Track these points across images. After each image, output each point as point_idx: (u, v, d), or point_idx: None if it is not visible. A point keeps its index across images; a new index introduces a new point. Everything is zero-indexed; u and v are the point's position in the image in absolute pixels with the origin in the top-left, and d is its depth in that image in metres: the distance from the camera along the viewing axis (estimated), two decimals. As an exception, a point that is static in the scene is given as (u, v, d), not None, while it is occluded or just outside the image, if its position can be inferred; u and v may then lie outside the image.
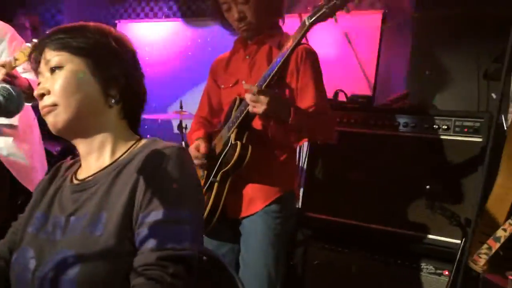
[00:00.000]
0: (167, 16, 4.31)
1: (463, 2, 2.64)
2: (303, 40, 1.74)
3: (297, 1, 3.13)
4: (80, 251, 0.96)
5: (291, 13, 1.85)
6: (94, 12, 4.41)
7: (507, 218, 1.51)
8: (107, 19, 4.36)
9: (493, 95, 2.20)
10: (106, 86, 1.08)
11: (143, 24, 4.43)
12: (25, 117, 2.21)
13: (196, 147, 1.80)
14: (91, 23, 1.13)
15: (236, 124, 1.70)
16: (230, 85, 1.86)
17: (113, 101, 1.09)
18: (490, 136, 1.46)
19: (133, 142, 1.12)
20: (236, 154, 1.65)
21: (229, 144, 1.71)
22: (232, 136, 1.71)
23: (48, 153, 3.04)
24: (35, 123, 2.27)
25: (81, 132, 1.09)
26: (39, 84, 1.08)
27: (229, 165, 1.68)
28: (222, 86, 1.90)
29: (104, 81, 1.08)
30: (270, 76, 1.59)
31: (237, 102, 1.75)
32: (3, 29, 2.17)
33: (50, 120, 1.05)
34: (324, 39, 3.39)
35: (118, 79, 1.09)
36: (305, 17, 1.53)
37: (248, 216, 1.77)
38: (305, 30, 1.52)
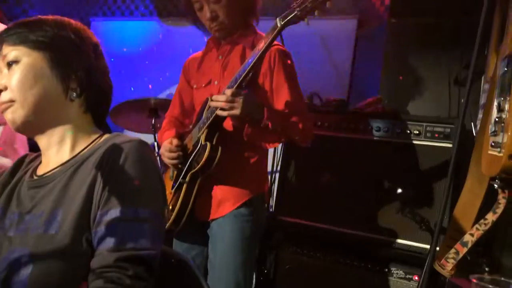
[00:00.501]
0: (143, 15, 4.25)
1: (436, 11, 2.68)
2: (278, 42, 1.73)
3: (273, 3, 3.13)
4: (33, 250, 0.92)
5: (267, 16, 1.83)
6: (68, 9, 4.31)
7: (474, 223, 1.52)
8: (82, 17, 4.27)
9: (463, 101, 2.23)
10: (66, 80, 1.05)
11: (118, 22, 4.35)
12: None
13: (169, 142, 1.76)
14: (50, 16, 1.09)
15: (206, 125, 1.67)
16: (203, 85, 1.82)
17: (74, 94, 1.05)
18: (455, 142, 1.47)
19: (95, 137, 1.09)
20: (206, 155, 1.62)
21: (199, 145, 1.68)
22: (202, 137, 1.68)
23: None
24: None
25: (40, 127, 1.06)
26: None
27: (198, 166, 1.65)
28: (195, 86, 1.87)
29: (63, 74, 1.04)
30: (241, 77, 1.57)
31: (209, 102, 1.72)
32: None
33: (8, 117, 1.02)
34: (300, 43, 3.40)
35: (77, 72, 1.06)
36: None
37: (217, 219, 1.74)
38: (276, 32, 1.51)
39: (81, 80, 1.06)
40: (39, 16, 1.09)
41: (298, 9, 1.45)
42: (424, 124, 2.18)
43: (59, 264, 0.91)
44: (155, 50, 4.05)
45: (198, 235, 1.79)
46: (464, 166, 1.80)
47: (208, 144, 1.64)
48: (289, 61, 1.73)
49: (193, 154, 1.69)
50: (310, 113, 1.81)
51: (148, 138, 2.11)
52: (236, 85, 1.57)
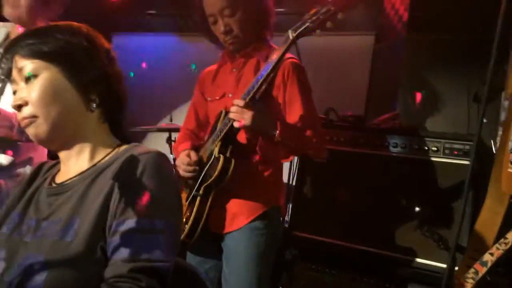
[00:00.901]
0: (164, 31, 4.32)
1: (454, 27, 2.67)
2: (291, 55, 1.73)
3: (288, 19, 3.15)
4: (48, 257, 0.92)
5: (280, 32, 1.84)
6: (89, 24, 4.41)
7: (494, 242, 1.48)
8: (103, 31, 4.36)
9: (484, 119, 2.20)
10: (85, 91, 1.05)
11: (139, 37, 4.44)
12: None
13: (187, 154, 1.77)
14: (60, 23, 1.10)
15: (220, 137, 1.67)
16: (217, 97, 1.83)
17: (94, 105, 1.06)
18: (472, 159, 1.45)
19: (113, 147, 1.10)
20: (219, 167, 1.62)
21: (212, 158, 1.68)
22: (216, 150, 1.68)
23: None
24: None
25: (62, 140, 1.07)
26: (14, 93, 1.06)
27: (212, 179, 1.65)
28: (209, 98, 1.88)
29: (82, 85, 1.05)
30: (254, 89, 1.57)
31: (223, 114, 1.73)
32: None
33: (31, 132, 1.03)
34: (318, 58, 3.41)
35: (96, 81, 1.06)
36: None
37: (231, 232, 1.72)
38: (289, 43, 1.51)
39: (99, 89, 1.06)
40: (49, 23, 1.10)
41: (309, 20, 1.45)
42: (443, 141, 2.15)
43: (73, 271, 0.91)
44: (173, 64, 4.11)
45: (212, 249, 1.78)
46: (484, 184, 1.76)
47: (222, 157, 1.64)
48: (303, 75, 1.73)
49: (207, 167, 1.70)
50: (323, 128, 1.80)
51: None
52: (249, 97, 1.58)
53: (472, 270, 1.48)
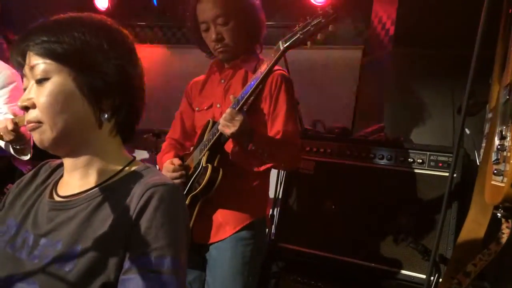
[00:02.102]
0: (152, 42, 4.33)
1: (440, 41, 2.71)
2: (279, 67, 1.74)
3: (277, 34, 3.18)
4: (41, 283, 0.87)
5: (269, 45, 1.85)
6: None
7: (478, 253, 1.48)
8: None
9: (467, 131, 2.23)
10: (97, 101, 0.96)
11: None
12: None
13: (170, 162, 1.75)
14: (81, 15, 0.99)
15: (208, 147, 1.67)
16: (205, 108, 1.83)
17: (105, 116, 0.97)
18: (452, 170, 1.47)
19: (123, 165, 1.01)
20: (206, 177, 1.61)
21: (200, 167, 1.67)
22: (203, 159, 1.67)
23: (19, 173, 2.96)
24: None
25: (68, 149, 0.99)
26: (24, 89, 0.97)
27: (199, 189, 1.64)
28: (197, 108, 1.88)
29: (95, 95, 0.95)
30: (244, 99, 1.58)
31: (210, 124, 1.73)
32: (11, 77, 2.16)
33: (36, 137, 0.96)
34: (306, 71, 3.44)
35: (110, 91, 0.96)
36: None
37: (216, 242, 1.71)
38: (279, 54, 1.52)
39: (113, 99, 0.97)
40: (69, 15, 0.99)
41: (300, 32, 1.46)
42: (428, 153, 2.16)
43: None
44: (163, 75, 4.11)
45: (195, 259, 1.76)
46: (468, 195, 1.77)
47: (210, 166, 1.63)
48: (290, 87, 1.74)
49: (194, 176, 1.69)
50: (300, 142, 1.80)
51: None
52: (238, 106, 1.58)
53: (455, 281, 1.47)
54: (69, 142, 0.97)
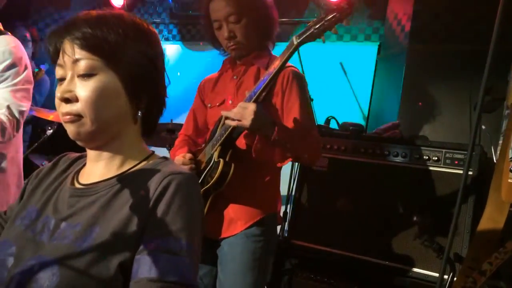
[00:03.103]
0: (166, 39, 4.36)
1: (456, 38, 2.67)
2: (291, 64, 1.74)
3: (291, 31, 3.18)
4: (62, 262, 0.89)
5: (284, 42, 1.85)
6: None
7: (493, 252, 1.46)
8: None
9: (483, 127, 2.19)
10: (137, 100, 1.00)
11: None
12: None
13: (182, 156, 1.77)
14: (122, 13, 1.01)
15: (220, 142, 1.67)
16: (217, 104, 1.84)
17: (139, 113, 1.01)
18: (466, 168, 1.44)
19: (144, 156, 1.05)
20: (218, 171, 1.62)
21: (212, 162, 1.68)
22: (215, 154, 1.68)
23: (34, 166, 3.01)
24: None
25: (100, 144, 1.01)
26: (59, 80, 0.97)
27: (211, 183, 1.64)
28: (209, 105, 1.89)
29: (136, 95, 0.99)
30: (256, 94, 1.58)
31: (222, 120, 1.73)
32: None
33: (71, 129, 0.96)
34: (320, 67, 3.43)
35: (147, 89, 1.01)
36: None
37: (227, 238, 1.72)
38: (292, 49, 1.52)
39: (148, 98, 1.01)
40: (110, 11, 1.00)
41: (314, 27, 1.46)
42: (444, 150, 2.14)
43: (83, 281, 0.87)
44: (178, 71, 4.14)
45: (207, 254, 1.77)
46: (485, 193, 1.74)
47: (221, 161, 1.64)
48: (302, 82, 1.74)
49: (206, 170, 1.69)
50: (319, 135, 1.79)
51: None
52: (251, 101, 1.58)
53: (470, 279, 1.45)
54: (105, 136, 0.99)
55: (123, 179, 0.99)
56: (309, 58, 3.16)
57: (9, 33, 1.94)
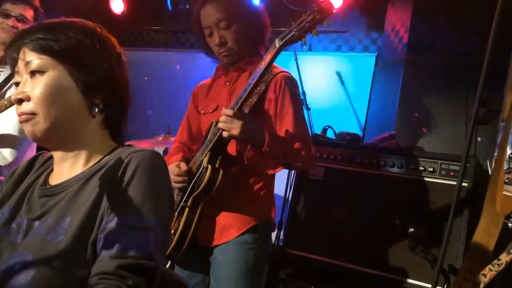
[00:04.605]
0: (166, 46, 4.38)
1: (454, 50, 2.69)
2: (284, 69, 1.75)
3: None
4: (36, 256, 0.90)
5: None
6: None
7: (488, 264, 1.45)
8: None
9: (479, 139, 2.20)
10: (90, 94, 1.02)
11: (141, 52, 4.49)
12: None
13: (177, 165, 1.76)
14: (74, 20, 1.05)
15: (209, 148, 1.66)
16: (210, 110, 1.84)
17: (96, 110, 1.03)
18: (460, 179, 1.44)
19: (109, 150, 1.07)
20: (206, 177, 1.61)
21: (201, 168, 1.67)
22: (205, 160, 1.67)
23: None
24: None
25: (59, 141, 1.03)
26: (17, 84, 1.02)
27: (199, 189, 1.63)
28: (202, 111, 1.88)
29: (88, 88, 1.01)
30: (243, 98, 1.57)
31: (213, 125, 1.73)
32: None
33: (28, 128, 0.99)
34: (318, 77, 3.44)
35: (102, 85, 1.03)
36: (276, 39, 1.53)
37: (220, 245, 1.70)
38: (276, 52, 1.51)
39: (104, 94, 1.03)
40: (63, 19, 1.04)
41: (296, 29, 1.46)
42: (439, 161, 2.14)
43: (61, 271, 0.88)
44: (173, 78, 4.15)
45: (200, 262, 1.76)
46: (480, 205, 1.74)
47: (209, 167, 1.62)
48: (294, 88, 1.74)
49: (195, 177, 1.68)
50: (314, 143, 1.79)
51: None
52: (237, 106, 1.58)
53: (464, 291, 1.45)
54: (61, 133, 1.01)
55: (89, 171, 1.01)
56: (308, 68, 3.18)
57: None
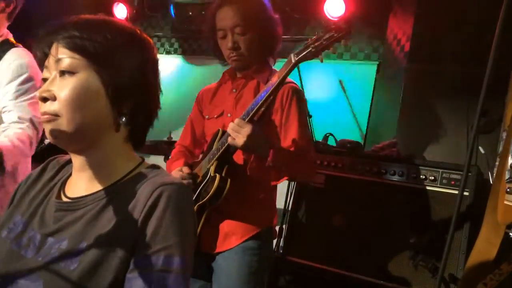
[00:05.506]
0: (168, 52, 4.39)
1: (455, 59, 2.69)
2: (291, 80, 1.75)
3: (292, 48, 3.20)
4: (47, 286, 0.87)
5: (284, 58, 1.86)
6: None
7: (489, 273, 1.45)
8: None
9: (480, 149, 2.20)
10: (118, 102, 0.95)
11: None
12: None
13: (179, 170, 1.76)
14: (114, 19, 0.99)
15: (216, 156, 1.67)
16: (215, 116, 1.84)
17: (123, 119, 0.96)
18: (461, 188, 1.45)
19: (133, 166, 1.00)
20: (214, 187, 1.61)
21: (208, 176, 1.67)
22: (212, 169, 1.67)
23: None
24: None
25: (80, 147, 0.97)
26: (43, 80, 0.95)
27: (206, 198, 1.64)
28: (207, 116, 1.88)
29: (117, 95, 0.94)
30: (254, 111, 1.57)
31: (220, 133, 1.73)
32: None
33: (48, 128, 0.92)
34: (320, 85, 3.45)
35: (132, 94, 0.96)
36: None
37: (223, 252, 1.70)
38: (290, 67, 1.52)
39: (133, 103, 0.96)
40: (103, 16, 0.98)
41: (312, 46, 1.47)
42: (440, 170, 2.14)
43: None
44: (179, 85, 4.16)
45: (202, 268, 1.75)
46: (481, 214, 1.74)
47: (218, 176, 1.63)
48: (301, 99, 1.74)
49: (202, 185, 1.69)
50: (314, 154, 1.80)
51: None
52: (248, 118, 1.58)
53: (465, 301, 1.44)
54: (83, 140, 0.95)
55: (110, 192, 0.96)
56: (309, 75, 3.18)
57: (21, 46, 1.96)
